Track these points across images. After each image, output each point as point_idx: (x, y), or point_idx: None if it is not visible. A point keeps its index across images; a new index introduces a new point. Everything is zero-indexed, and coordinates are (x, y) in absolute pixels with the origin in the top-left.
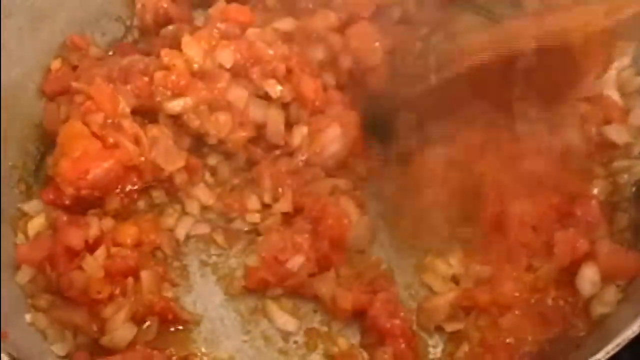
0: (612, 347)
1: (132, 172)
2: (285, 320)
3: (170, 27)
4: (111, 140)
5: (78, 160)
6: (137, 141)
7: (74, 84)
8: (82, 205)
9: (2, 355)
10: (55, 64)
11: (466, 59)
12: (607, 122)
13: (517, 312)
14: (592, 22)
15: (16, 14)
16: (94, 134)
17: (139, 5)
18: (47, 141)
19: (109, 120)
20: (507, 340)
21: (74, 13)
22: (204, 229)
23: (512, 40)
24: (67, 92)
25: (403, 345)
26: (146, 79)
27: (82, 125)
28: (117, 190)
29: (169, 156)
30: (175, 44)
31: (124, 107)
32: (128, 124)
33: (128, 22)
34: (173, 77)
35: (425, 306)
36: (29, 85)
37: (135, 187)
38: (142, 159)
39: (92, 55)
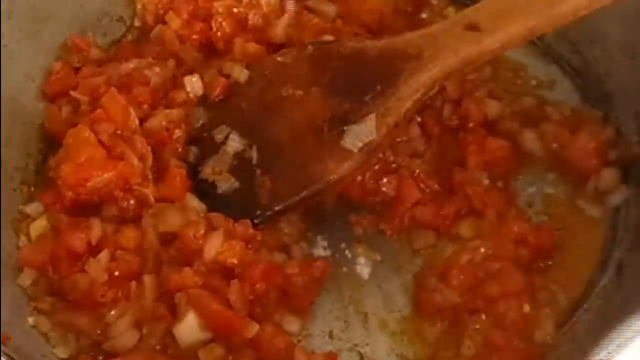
0: (613, 347)
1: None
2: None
3: (156, 29)
4: (118, 150)
5: (81, 167)
6: (142, 159)
7: (73, 93)
8: (83, 209)
9: (2, 359)
10: (57, 66)
11: None
12: None
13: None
14: None
15: (17, 15)
16: (101, 143)
17: (139, 6)
18: (48, 143)
19: (119, 132)
20: (513, 341)
21: (75, 14)
22: None
23: None
24: (68, 94)
25: None
26: (146, 88)
27: (90, 132)
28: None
29: None
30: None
31: (134, 119)
32: (139, 139)
33: (129, 22)
34: None
35: None
36: (30, 87)
37: (132, 202)
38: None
39: (92, 56)
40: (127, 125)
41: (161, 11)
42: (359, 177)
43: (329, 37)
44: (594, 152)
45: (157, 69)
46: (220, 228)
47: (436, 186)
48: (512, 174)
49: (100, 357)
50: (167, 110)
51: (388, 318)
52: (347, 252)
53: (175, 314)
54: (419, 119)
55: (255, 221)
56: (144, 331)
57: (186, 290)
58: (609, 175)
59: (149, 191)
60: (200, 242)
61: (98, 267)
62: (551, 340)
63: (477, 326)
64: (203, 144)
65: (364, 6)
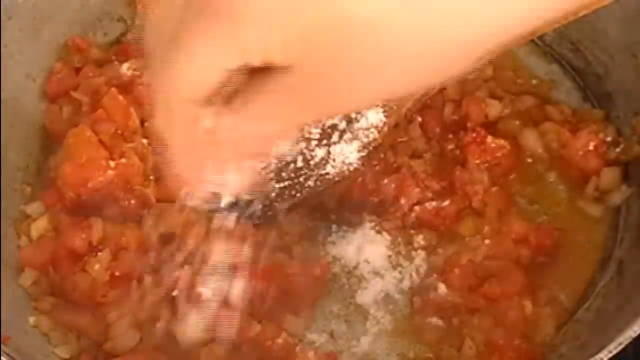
0: (614, 346)
1: (131, 192)
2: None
3: None
4: (119, 151)
5: (81, 167)
6: (143, 159)
7: (74, 94)
8: (84, 209)
9: (3, 359)
10: (57, 66)
11: None
12: None
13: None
14: None
15: (17, 16)
16: (102, 143)
17: (139, 6)
18: (49, 143)
19: (120, 132)
20: (514, 340)
21: (76, 14)
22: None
23: None
24: (69, 95)
25: None
26: (146, 88)
27: (91, 132)
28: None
29: None
30: None
31: (135, 119)
32: (140, 140)
33: (130, 22)
34: None
35: None
36: (31, 87)
37: (133, 202)
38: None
39: (93, 57)
40: (128, 126)
41: None
42: (360, 178)
43: None
44: (594, 151)
45: None
46: (220, 228)
47: (436, 186)
48: (513, 174)
49: (101, 357)
50: None
51: (388, 318)
52: (347, 251)
53: (175, 314)
54: (419, 119)
55: (256, 221)
56: (145, 331)
57: (186, 290)
58: (609, 175)
59: (150, 191)
60: (201, 242)
61: (99, 267)
62: (552, 340)
63: (478, 326)
64: None
65: None
